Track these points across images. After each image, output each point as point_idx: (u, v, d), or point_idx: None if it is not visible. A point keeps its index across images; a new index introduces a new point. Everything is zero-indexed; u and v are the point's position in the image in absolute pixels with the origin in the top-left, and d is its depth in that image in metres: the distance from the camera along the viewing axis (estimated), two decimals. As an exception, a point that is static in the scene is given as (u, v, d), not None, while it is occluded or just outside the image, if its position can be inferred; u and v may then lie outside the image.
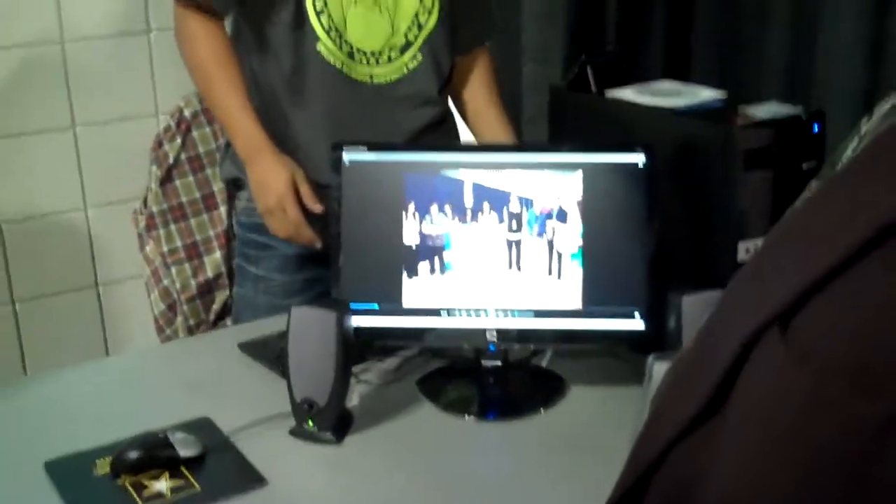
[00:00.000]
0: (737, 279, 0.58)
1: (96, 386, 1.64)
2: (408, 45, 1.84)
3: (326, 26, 1.77)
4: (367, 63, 1.81)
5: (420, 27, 1.84)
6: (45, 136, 2.55)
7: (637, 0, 2.42)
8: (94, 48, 2.56)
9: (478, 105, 2.00)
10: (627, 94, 1.73)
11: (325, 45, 1.78)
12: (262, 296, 1.91)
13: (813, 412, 0.48)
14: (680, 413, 0.55)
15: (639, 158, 1.51)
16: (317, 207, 1.74)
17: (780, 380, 0.50)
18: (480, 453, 1.48)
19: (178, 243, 2.36)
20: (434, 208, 1.51)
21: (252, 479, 1.35)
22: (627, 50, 2.33)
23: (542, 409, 1.52)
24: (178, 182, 2.36)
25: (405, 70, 1.85)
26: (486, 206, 1.51)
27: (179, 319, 2.37)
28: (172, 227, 2.36)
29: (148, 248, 2.38)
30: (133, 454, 1.34)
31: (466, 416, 1.51)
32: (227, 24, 1.88)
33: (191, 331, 2.36)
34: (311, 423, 1.43)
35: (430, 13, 1.83)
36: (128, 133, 2.59)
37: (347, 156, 1.52)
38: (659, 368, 1.12)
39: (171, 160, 2.33)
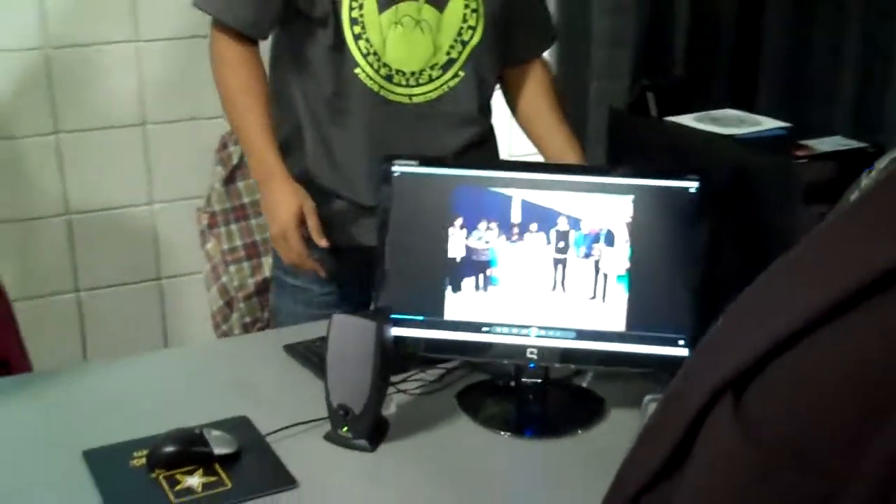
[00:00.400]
0: (715, 327, 0.58)
1: (143, 379, 1.67)
2: (450, 62, 1.81)
3: (364, 51, 1.76)
4: (407, 84, 1.80)
5: (464, 44, 1.81)
6: (116, 131, 2.61)
7: (706, 27, 2.40)
8: (167, 49, 2.61)
9: (537, 117, 1.96)
10: (687, 120, 1.71)
11: (363, 70, 1.77)
12: (301, 307, 1.92)
13: (760, 487, 0.50)
14: (643, 467, 0.56)
15: (692, 185, 1.49)
16: (322, 242, 1.73)
17: (731, 451, 0.51)
18: (515, 471, 1.47)
19: (238, 242, 2.40)
20: (482, 224, 1.51)
21: (283, 480, 1.36)
22: (693, 76, 2.31)
23: (579, 430, 1.51)
24: (240, 183, 2.39)
25: (446, 88, 1.82)
26: (533, 224, 1.50)
27: (235, 316, 2.41)
28: (233, 226, 2.40)
29: (209, 246, 2.43)
30: (168, 449, 1.37)
31: (503, 433, 1.51)
32: (266, 45, 1.89)
33: (246, 328, 2.40)
34: (345, 429, 1.44)
35: (474, 30, 1.81)
36: (195, 133, 2.64)
37: (397, 168, 1.53)
38: (653, 409, 1.11)
39: (234, 161, 2.37)
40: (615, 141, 1.85)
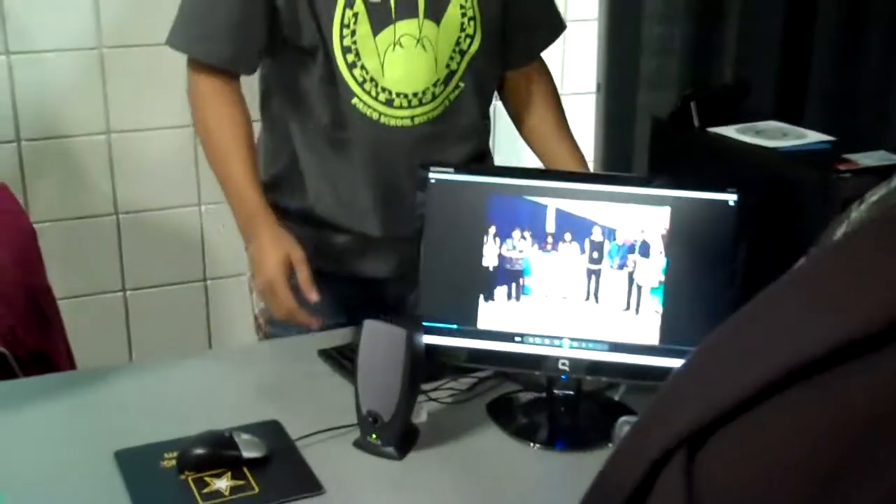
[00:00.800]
0: (675, 372, 0.56)
1: (180, 380, 1.69)
2: (450, 74, 1.73)
3: (360, 79, 1.68)
4: (409, 106, 1.71)
5: (462, 53, 1.73)
6: (167, 132, 2.64)
7: (756, 38, 2.37)
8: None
9: (542, 132, 1.89)
10: (730, 131, 1.69)
11: (360, 99, 1.69)
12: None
13: None
14: None
15: (731, 197, 1.47)
16: (311, 296, 1.60)
17: None
18: (543, 482, 1.46)
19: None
20: (515, 232, 1.50)
21: (310, 486, 1.37)
22: (739, 87, 2.28)
23: (610, 444, 1.49)
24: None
25: (447, 102, 1.75)
26: (567, 233, 1.49)
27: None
28: (277, 229, 2.41)
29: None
30: (197, 451, 1.38)
31: (533, 444, 1.50)
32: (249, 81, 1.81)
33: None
34: (374, 436, 1.44)
35: (472, 38, 1.73)
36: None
37: (433, 175, 1.53)
38: (625, 433, 1.10)
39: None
40: (657, 151, 1.84)
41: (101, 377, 1.69)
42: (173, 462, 1.39)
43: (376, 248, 1.80)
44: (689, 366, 0.55)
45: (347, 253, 1.83)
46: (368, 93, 1.69)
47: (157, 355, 2.64)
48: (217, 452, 1.39)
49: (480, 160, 1.86)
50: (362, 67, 1.67)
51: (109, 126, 2.61)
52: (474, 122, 1.83)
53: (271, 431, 1.48)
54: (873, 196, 0.57)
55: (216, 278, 2.80)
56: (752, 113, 1.92)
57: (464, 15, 1.70)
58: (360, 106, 1.70)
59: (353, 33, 1.65)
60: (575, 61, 2.93)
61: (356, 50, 1.66)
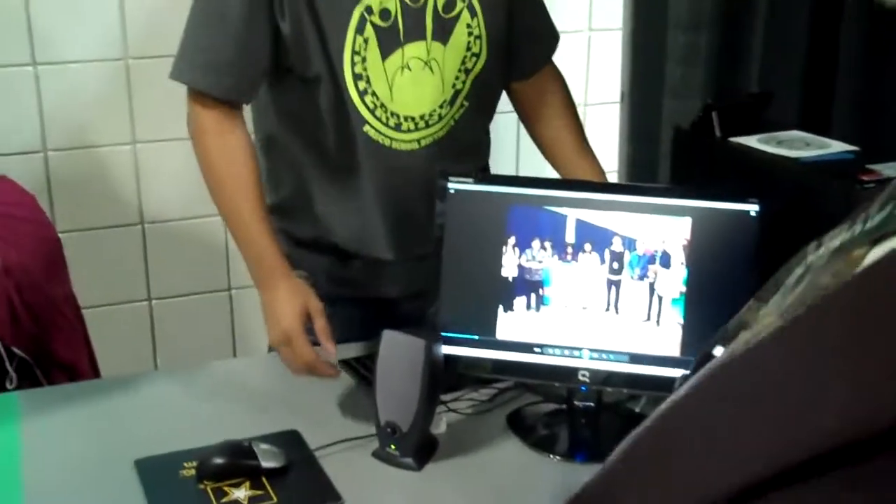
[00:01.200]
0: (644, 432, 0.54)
1: (202, 389, 1.69)
2: (456, 94, 1.70)
3: (371, 105, 1.64)
4: (416, 129, 1.68)
5: (468, 72, 1.70)
6: (190, 143, 2.65)
7: (781, 47, 2.36)
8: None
9: (558, 142, 1.85)
10: (752, 141, 1.68)
11: (372, 126, 1.66)
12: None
13: None
14: None
15: (752, 208, 1.46)
16: (329, 349, 1.54)
17: None
18: (563, 495, 1.45)
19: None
20: (535, 243, 1.50)
21: (329, 496, 1.37)
22: (763, 97, 2.27)
23: (631, 456, 1.48)
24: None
25: (452, 122, 1.71)
26: (587, 244, 1.49)
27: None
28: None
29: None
30: (216, 461, 1.38)
31: (553, 456, 1.49)
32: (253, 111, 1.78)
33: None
34: (393, 446, 1.44)
35: (478, 56, 1.70)
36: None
37: (453, 185, 1.53)
38: None
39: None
40: (679, 161, 1.83)
41: (124, 385, 1.70)
42: (193, 471, 1.40)
43: (390, 270, 1.79)
44: (660, 438, 0.53)
45: (360, 277, 1.81)
46: (379, 119, 1.66)
47: (181, 364, 2.65)
48: (236, 462, 1.39)
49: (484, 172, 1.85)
50: (373, 94, 1.64)
51: (135, 136, 2.62)
52: (478, 137, 1.81)
53: (290, 441, 1.48)
54: (833, 241, 0.55)
55: (240, 288, 2.80)
56: (775, 122, 1.91)
57: (470, 34, 1.68)
58: (371, 133, 1.66)
59: (364, 59, 1.61)
60: (599, 71, 2.92)
61: (367, 76, 1.62)
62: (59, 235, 2.28)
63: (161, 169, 2.65)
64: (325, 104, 1.65)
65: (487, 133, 1.86)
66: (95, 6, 2.52)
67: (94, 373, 2.16)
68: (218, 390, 1.69)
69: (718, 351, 0.66)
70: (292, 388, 1.67)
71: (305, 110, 1.67)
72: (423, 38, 1.64)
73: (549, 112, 1.86)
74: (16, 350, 2.03)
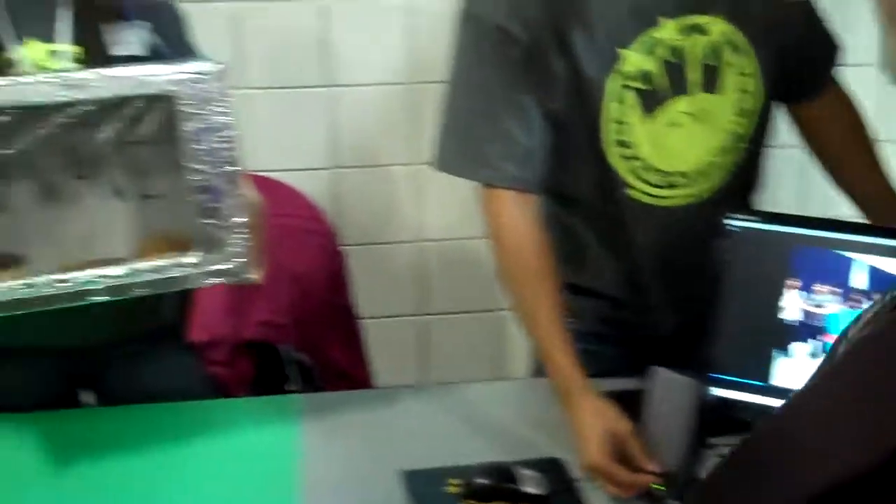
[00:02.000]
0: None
1: (465, 407, 1.72)
2: (733, 138, 1.61)
3: (636, 169, 1.59)
4: (690, 183, 1.61)
5: (744, 113, 1.60)
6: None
7: None
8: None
9: (846, 161, 1.72)
10: None
11: (635, 188, 1.60)
12: None
13: None
14: None
15: None
16: (650, 467, 1.40)
17: None
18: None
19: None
20: (820, 287, 1.43)
21: (588, 529, 1.36)
22: None
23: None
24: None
25: (733, 167, 1.64)
26: (877, 293, 1.40)
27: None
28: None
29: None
30: (481, 481, 1.41)
31: None
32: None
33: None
34: (659, 486, 1.41)
35: (753, 95, 1.60)
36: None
37: (737, 223, 1.48)
38: None
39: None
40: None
41: (395, 397, 1.76)
42: (457, 488, 1.42)
43: (661, 311, 1.75)
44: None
45: (631, 318, 1.77)
46: (646, 181, 1.60)
47: (448, 379, 2.72)
48: (500, 485, 1.41)
49: None
50: (637, 158, 1.58)
51: (417, 157, 2.72)
52: (753, 178, 1.72)
53: (552, 469, 1.48)
54: (868, 314, 0.56)
55: (509, 309, 2.84)
56: None
57: (742, 74, 1.59)
58: (636, 195, 1.61)
59: (626, 125, 1.56)
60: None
61: (629, 142, 1.57)
62: (344, 248, 2.40)
63: (440, 189, 2.73)
64: (586, 171, 1.61)
65: (763, 169, 1.76)
66: (387, 33, 2.64)
67: (369, 381, 2.25)
68: (482, 410, 1.72)
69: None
70: (555, 415, 1.67)
71: (565, 174, 1.63)
72: (690, 91, 1.57)
73: (835, 137, 1.73)
74: (298, 355, 2.16)
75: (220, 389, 1.99)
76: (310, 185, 2.51)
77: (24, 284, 1.34)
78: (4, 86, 1.32)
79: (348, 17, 2.62)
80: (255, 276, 1.45)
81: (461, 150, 1.62)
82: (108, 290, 1.38)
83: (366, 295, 2.50)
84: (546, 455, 1.52)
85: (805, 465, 0.53)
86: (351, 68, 2.66)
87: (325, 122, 2.68)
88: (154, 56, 1.57)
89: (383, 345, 2.54)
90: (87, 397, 1.81)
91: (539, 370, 1.73)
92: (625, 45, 1.53)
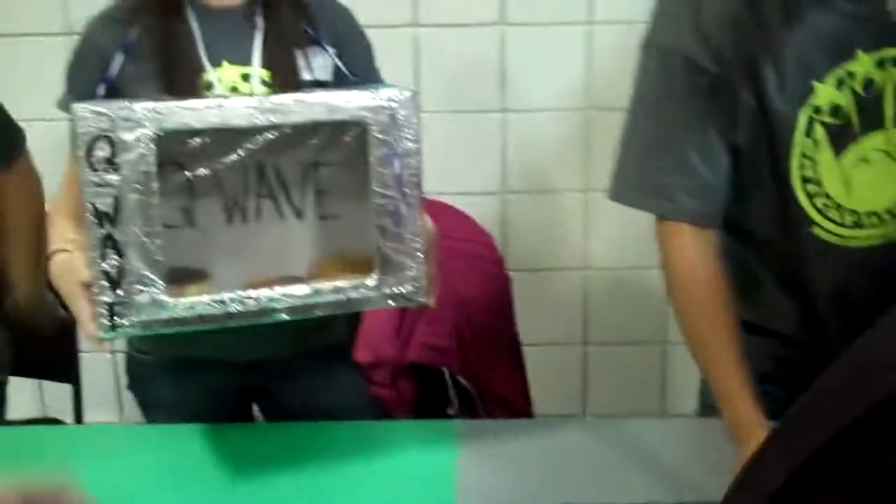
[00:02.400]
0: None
1: (627, 443, 1.69)
2: None
3: (822, 207, 1.53)
4: (881, 223, 1.54)
5: None
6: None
7: None
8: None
9: None
10: None
11: (822, 227, 1.53)
12: None
13: None
14: None
15: None
16: None
17: None
18: None
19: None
20: None
21: (750, 579, 1.32)
22: None
23: None
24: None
25: None
26: None
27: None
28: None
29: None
30: (640, 521, 1.39)
31: None
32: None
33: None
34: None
35: None
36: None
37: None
38: None
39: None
40: None
41: (555, 427, 1.75)
42: (613, 528, 1.41)
43: (835, 353, 1.67)
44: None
45: (801, 359, 1.69)
46: (833, 220, 1.54)
47: (607, 411, 2.70)
48: (659, 526, 1.38)
49: None
50: (825, 195, 1.52)
51: (590, 184, 2.71)
52: None
53: (714, 513, 1.45)
54: None
55: (675, 343, 2.80)
56: None
57: None
58: (820, 233, 1.55)
59: (814, 162, 1.51)
60: None
61: (817, 179, 1.52)
62: (509, 273, 2.41)
63: (609, 217, 2.72)
64: (767, 208, 1.56)
65: None
66: (565, 58, 2.65)
67: (529, 409, 2.25)
68: (644, 447, 1.69)
69: None
70: (724, 457, 1.63)
71: (743, 210, 1.59)
72: (884, 126, 1.51)
73: None
74: (460, 379, 2.18)
75: (382, 410, 2.02)
76: (479, 209, 2.53)
77: (213, 300, 1.37)
78: (209, 108, 1.37)
79: (527, 42, 2.65)
80: (429, 300, 1.47)
81: (640, 182, 1.59)
82: (291, 309, 1.41)
83: (529, 320, 2.50)
84: (707, 499, 1.49)
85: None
86: (527, 93, 2.68)
87: (498, 146, 2.71)
88: (341, 82, 1.62)
89: (544, 372, 2.54)
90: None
91: (706, 409, 1.70)
92: (819, 79, 1.48)
